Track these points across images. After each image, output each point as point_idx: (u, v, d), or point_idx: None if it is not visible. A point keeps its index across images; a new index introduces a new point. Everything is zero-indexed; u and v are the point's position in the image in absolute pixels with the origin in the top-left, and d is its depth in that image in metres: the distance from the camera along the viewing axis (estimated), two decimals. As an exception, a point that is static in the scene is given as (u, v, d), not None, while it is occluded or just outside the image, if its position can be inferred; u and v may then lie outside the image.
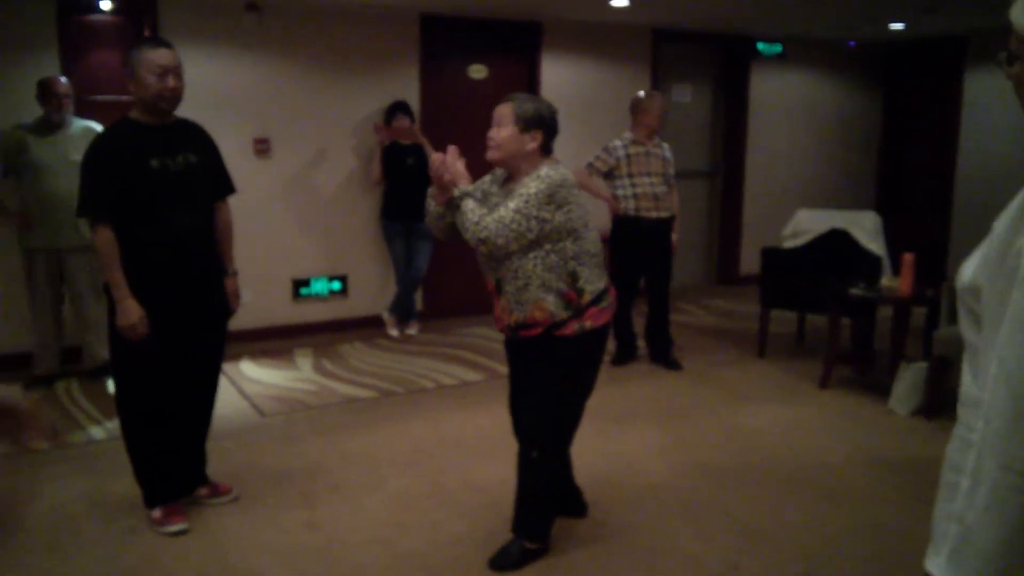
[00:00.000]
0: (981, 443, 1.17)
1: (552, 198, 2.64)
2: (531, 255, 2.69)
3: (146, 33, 5.24)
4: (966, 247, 7.38)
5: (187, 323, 3.05)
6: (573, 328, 2.75)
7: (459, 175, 2.78)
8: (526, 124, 2.73)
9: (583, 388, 2.90)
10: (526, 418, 2.94)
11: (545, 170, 2.71)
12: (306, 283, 5.95)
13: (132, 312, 2.89)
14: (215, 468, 3.45)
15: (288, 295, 5.94)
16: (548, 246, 2.69)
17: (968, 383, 1.30)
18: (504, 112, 2.76)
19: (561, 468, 3.09)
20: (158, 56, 2.89)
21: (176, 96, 2.96)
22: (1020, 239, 1.13)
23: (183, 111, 3.08)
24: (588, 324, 2.76)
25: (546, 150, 2.80)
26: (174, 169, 2.95)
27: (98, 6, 5.15)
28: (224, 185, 3.24)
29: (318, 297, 6.03)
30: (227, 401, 4.40)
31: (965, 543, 1.18)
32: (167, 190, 2.94)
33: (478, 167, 2.89)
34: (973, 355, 1.29)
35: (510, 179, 2.84)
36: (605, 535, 3.13)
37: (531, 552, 2.93)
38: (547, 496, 2.99)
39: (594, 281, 2.77)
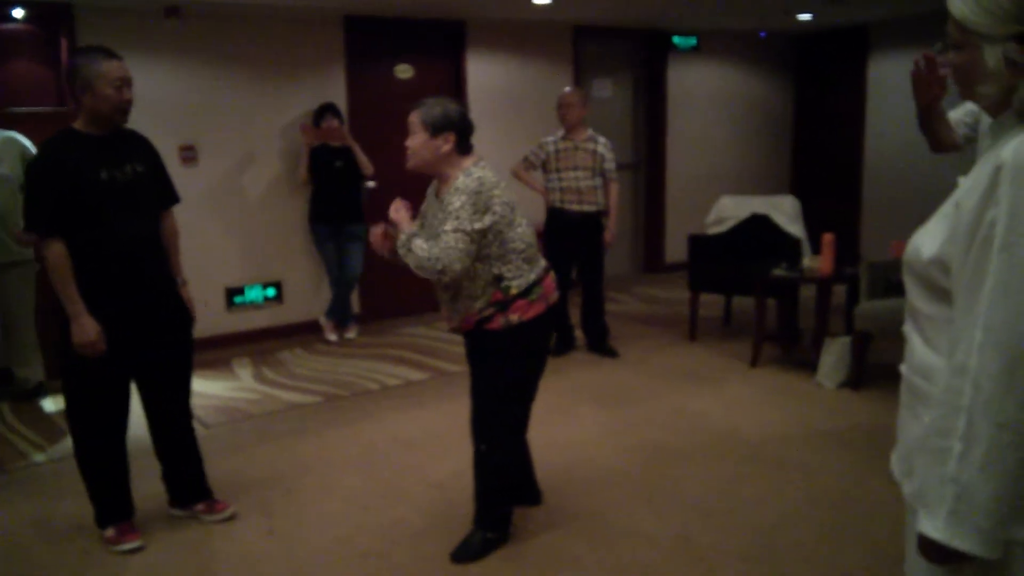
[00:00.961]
0: (971, 407, 1.23)
1: (476, 206, 2.69)
2: None
3: (63, 42, 5.10)
4: (876, 226, 7.76)
5: (142, 333, 3.02)
6: (499, 322, 2.81)
7: (404, 222, 2.83)
8: (436, 128, 2.76)
9: (521, 381, 2.94)
10: (472, 411, 3.02)
11: (461, 179, 2.75)
12: (240, 291, 5.88)
13: (89, 329, 2.85)
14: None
15: (222, 304, 5.86)
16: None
17: (922, 352, 1.40)
18: (413, 120, 2.80)
19: (515, 460, 3.15)
20: (115, 68, 2.85)
21: (130, 107, 2.94)
22: (990, 212, 1.22)
23: None
24: (514, 318, 2.80)
25: (463, 149, 2.83)
26: (122, 180, 2.92)
27: (10, 15, 4.98)
28: (169, 194, 3.23)
29: (253, 305, 5.97)
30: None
31: (963, 502, 1.24)
32: (115, 200, 2.90)
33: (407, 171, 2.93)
34: (931, 326, 1.38)
35: (440, 185, 2.88)
36: (562, 520, 3.23)
37: (492, 542, 3.01)
38: (502, 488, 3.06)
39: (523, 275, 2.81)
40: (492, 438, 2.97)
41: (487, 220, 2.70)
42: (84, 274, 2.88)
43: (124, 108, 2.90)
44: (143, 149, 3.09)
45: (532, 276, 2.84)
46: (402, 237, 2.78)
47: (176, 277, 3.21)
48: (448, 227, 2.68)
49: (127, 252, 2.95)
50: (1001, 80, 1.29)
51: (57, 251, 2.83)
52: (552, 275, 2.97)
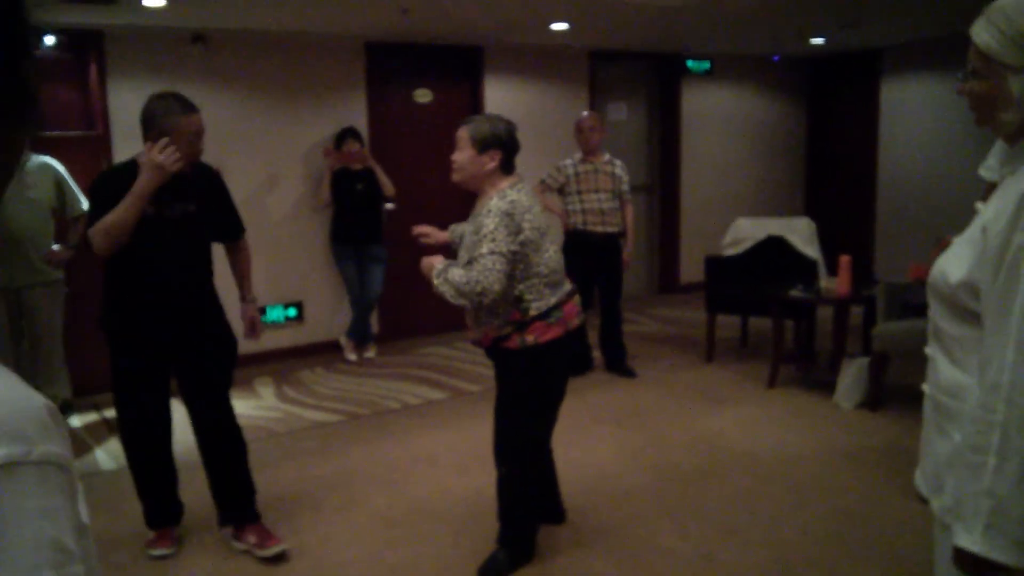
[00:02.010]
0: (1005, 423, 1.28)
1: (508, 228, 2.74)
2: None
3: (92, 68, 5.23)
4: (890, 247, 7.78)
5: (173, 353, 3.13)
6: (516, 342, 2.85)
7: (434, 260, 2.85)
8: (483, 145, 2.83)
9: (537, 403, 2.98)
10: (493, 431, 3.06)
11: (495, 201, 2.78)
12: (262, 311, 5.95)
13: (143, 168, 2.87)
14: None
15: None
16: None
17: (949, 372, 1.46)
18: (462, 135, 2.87)
19: (536, 480, 3.16)
20: (192, 123, 2.93)
21: (199, 157, 3.07)
22: (1017, 236, 1.28)
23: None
24: (531, 339, 2.84)
25: (507, 169, 2.89)
26: (169, 216, 3.00)
27: (41, 41, 5.11)
28: (232, 228, 3.34)
29: (275, 324, 6.05)
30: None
31: (999, 515, 1.28)
32: (158, 234, 2.98)
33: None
34: (958, 347, 1.44)
35: (477, 200, 2.93)
36: (586, 538, 3.28)
37: (518, 558, 3.05)
38: (523, 508, 3.08)
39: (544, 297, 2.85)
40: (511, 458, 3.02)
41: (518, 241, 2.76)
42: (119, 289, 3.01)
43: (193, 159, 3.01)
44: (202, 187, 3.16)
45: (553, 300, 2.87)
46: (437, 267, 2.80)
47: (244, 295, 3.41)
48: (484, 249, 2.71)
49: (160, 281, 3.05)
50: None
51: (97, 225, 2.90)
52: (576, 300, 2.99)
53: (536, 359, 2.87)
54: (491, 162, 2.84)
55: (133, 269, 3.01)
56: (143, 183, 2.87)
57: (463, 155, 2.86)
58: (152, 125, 2.92)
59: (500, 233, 2.72)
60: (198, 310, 3.17)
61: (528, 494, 3.10)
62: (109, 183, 3.00)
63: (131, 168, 3.00)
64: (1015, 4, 1.35)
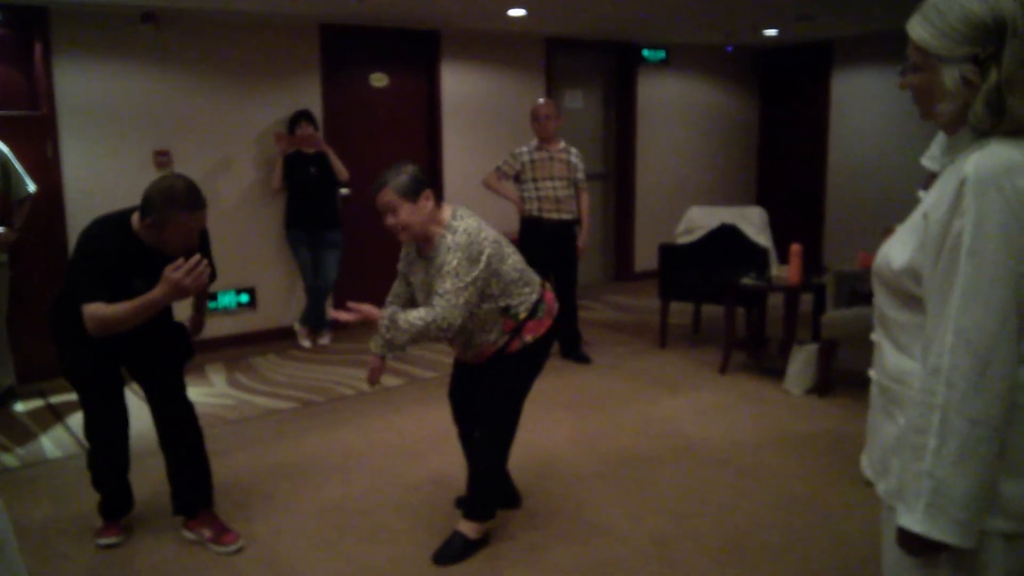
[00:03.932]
0: (945, 405, 1.32)
1: (471, 259, 2.75)
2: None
3: (37, 46, 5.07)
4: (839, 236, 7.94)
5: (127, 351, 3.06)
6: (516, 346, 2.95)
7: (369, 312, 2.77)
8: (413, 192, 2.78)
9: (529, 387, 3.11)
10: (482, 415, 3.08)
11: (449, 237, 2.78)
12: (213, 297, 5.87)
13: (165, 283, 2.66)
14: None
15: (195, 310, 5.84)
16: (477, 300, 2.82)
17: (894, 358, 1.49)
18: (388, 199, 2.78)
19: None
20: (194, 220, 2.75)
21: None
22: (956, 222, 1.32)
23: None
24: (529, 338, 2.95)
25: (438, 201, 2.88)
26: (152, 287, 2.78)
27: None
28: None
29: (226, 311, 5.96)
30: (143, 419, 4.34)
31: (939, 495, 1.32)
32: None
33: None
34: (903, 332, 1.47)
35: (424, 245, 2.91)
36: (540, 523, 3.30)
37: (473, 543, 3.07)
38: (497, 485, 3.19)
39: (525, 298, 2.93)
40: (499, 443, 3.09)
41: (482, 264, 2.76)
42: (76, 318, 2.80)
43: (184, 253, 2.79)
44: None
45: (534, 296, 2.96)
46: (383, 321, 2.72)
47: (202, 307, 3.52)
48: (448, 285, 2.71)
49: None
50: (958, 98, 1.38)
51: (98, 309, 2.72)
52: (548, 286, 3.09)
53: (536, 351, 3.01)
54: (428, 202, 2.80)
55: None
56: (158, 297, 2.67)
57: (402, 214, 2.78)
58: (151, 210, 2.70)
59: (463, 267, 2.73)
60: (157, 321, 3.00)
61: (502, 473, 3.21)
62: (106, 253, 2.77)
63: (127, 234, 2.80)
64: None
